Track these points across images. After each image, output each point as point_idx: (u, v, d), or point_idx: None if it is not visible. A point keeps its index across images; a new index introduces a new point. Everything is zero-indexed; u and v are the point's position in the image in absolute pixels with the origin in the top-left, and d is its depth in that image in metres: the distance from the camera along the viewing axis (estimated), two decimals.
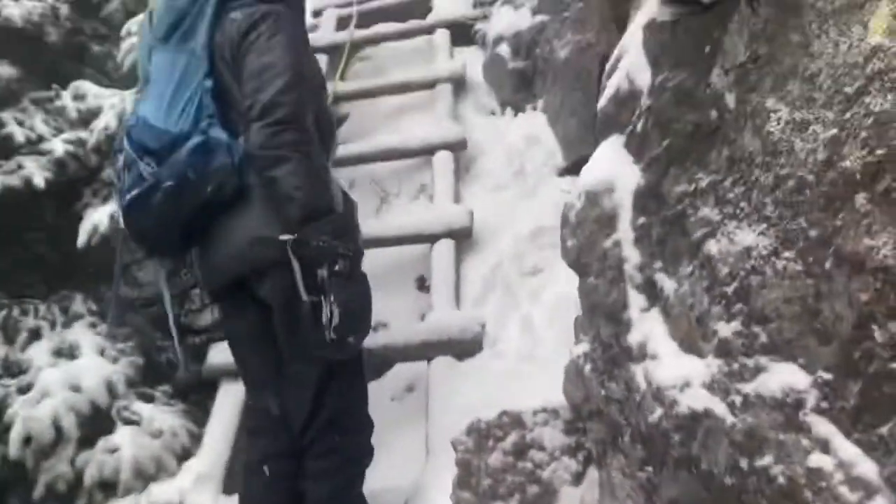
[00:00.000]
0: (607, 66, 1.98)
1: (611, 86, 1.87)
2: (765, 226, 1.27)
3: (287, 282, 1.79)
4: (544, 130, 3.75)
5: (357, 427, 2.04)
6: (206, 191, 1.80)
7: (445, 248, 3.19)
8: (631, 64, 1.79)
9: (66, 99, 3.62)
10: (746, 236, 1.31)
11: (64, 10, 3.99)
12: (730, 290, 1.33)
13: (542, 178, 3.55)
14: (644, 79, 1.72)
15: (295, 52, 1.88)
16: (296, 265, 1.74)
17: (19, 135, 3.33)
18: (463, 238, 3.26)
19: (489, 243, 3.29)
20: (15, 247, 3.52)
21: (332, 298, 1.73)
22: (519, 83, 4.06)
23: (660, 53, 1.68)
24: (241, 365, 2.15)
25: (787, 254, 1.22)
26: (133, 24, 3.32)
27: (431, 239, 3.24)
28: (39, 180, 3.24)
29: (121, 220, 1.93)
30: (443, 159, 3.66)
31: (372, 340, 2.85)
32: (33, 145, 3.39)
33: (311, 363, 1.91)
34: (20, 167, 3.26)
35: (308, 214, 1.75)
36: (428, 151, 3.75)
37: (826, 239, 1.14)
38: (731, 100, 1.41)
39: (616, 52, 1.92)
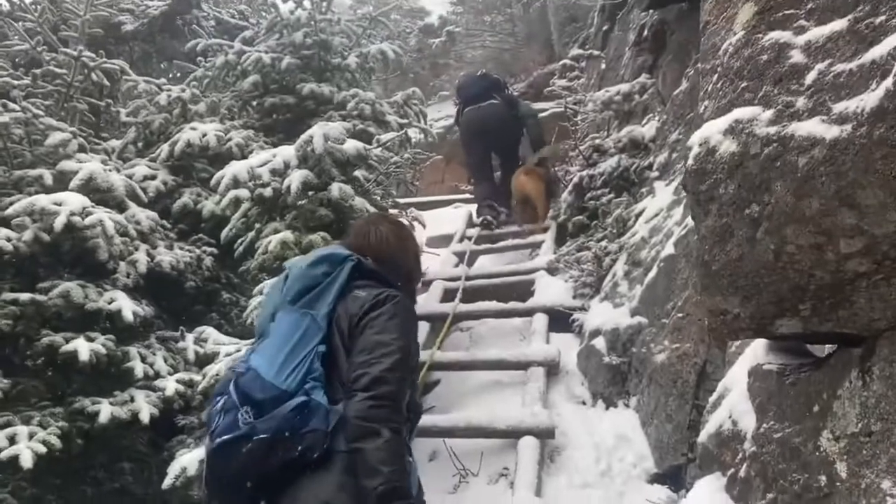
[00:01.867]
0: (710, 399, 2.00)
1: (714, 421, 1.88)
2: None
3: None
4: (636, 430, 3.67)
5: None
6: (297, 450, 1.84)
7: None
8: (735, 405, 1.80)
9: (188, 341, 3.94)
10: None
11: (207, 260, 4.48)
12: None
13: (631, 482, 3.40)
14: (748, 423, 1.72)
15: (407, 337, 2.03)
16: None
17: (139, 370, 3.59)
18: None
19: None
20: (102, 474, 3.62)
21: None
22: (613, 377, 4.07)
23: (765, 401, 1.69)
24: None
25: None
26: (267, 286, 3.66)
27: None
28: (145, 415, 3.41)
29: (205, 462, 1.95)
30: (528, 446, 3.58)
31: None
32: (149, 380, 3.63)
33: None
34: (132, 399, 3.47)
35: (390, 492, 1.76)
36: (514, 435, 3.69)
37: None
38: (842, 469, 1.38)
39: (720, 387, 1.95)
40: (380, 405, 1.85)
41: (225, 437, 1.87)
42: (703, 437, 1.90)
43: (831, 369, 1.53)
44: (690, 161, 1.67)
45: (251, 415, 1.88)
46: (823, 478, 1.42)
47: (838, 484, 1.38)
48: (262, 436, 1.84)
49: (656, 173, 4.79)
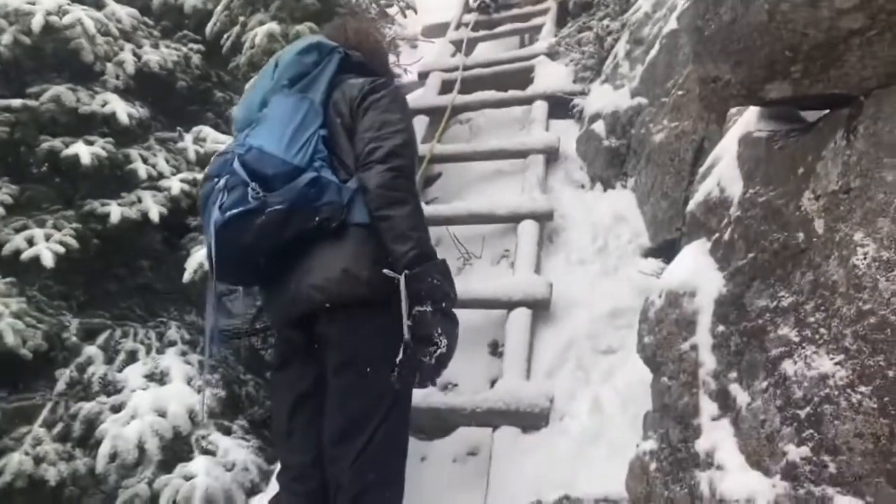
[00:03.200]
0: (701, 170, 2.03)
1: (702, 190, 1.92)
2: (843, 356, 1.29)
3: (361, 318, 1.91)
4: (632, 209, 3.78)
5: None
6: (314, 221, 1.91)
7: (522, 316, 3.22)
8: (723, 173, 1.83)
9: (187, 141, 3.95)
10: (823, 363, 1.33)
11: (195, 59, 4.36)
12: (802, 413, 1.35)
13: (626, 257, 3.57)
14: (735, 189, 1.76)
15: (409, 121, 2.09)
16: (404, 299, 1.80)
17: (142, 171, 3.63)
18: (540, 309, 3.29)
19: (565, 317, 3.31)
20: (123, 271, 3.81)
21: (439, 330, 1.83)
22: (611, 160, 4.11)
23: (753, 167, 1.73)
24: (281, 417, 2.10)
25: (862, 389, 1.23)
26: None
27: (509, 306, 3.28)
28: (154, 214, 3.51)
29: (212, 237, 1.92)
30: (528, 228, 3.70)
31: (441, 400, 2.92)
32: (153, 181, 3.69)
33: (369, 402, 1.94)
34: (139, 200, 3.55)
35: (422, 254, 1.85)
36: (514, 219, 3.81)
37: None
38: (819, 225, 1.44)
39: (710, 157, 1.97)
40: (399, 175, 1.91)
41: (235, 211, 1.87)
42: (691, 205, 1.95)
43: (818, 132, 1.54)
44: None
45: (258, 190, 1.89)
46: (801, 234, 1.48)
47: (814, 239, 1.44)
48: (276, 207, 1.87)
49: None
